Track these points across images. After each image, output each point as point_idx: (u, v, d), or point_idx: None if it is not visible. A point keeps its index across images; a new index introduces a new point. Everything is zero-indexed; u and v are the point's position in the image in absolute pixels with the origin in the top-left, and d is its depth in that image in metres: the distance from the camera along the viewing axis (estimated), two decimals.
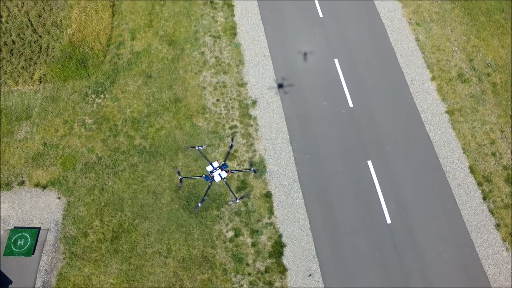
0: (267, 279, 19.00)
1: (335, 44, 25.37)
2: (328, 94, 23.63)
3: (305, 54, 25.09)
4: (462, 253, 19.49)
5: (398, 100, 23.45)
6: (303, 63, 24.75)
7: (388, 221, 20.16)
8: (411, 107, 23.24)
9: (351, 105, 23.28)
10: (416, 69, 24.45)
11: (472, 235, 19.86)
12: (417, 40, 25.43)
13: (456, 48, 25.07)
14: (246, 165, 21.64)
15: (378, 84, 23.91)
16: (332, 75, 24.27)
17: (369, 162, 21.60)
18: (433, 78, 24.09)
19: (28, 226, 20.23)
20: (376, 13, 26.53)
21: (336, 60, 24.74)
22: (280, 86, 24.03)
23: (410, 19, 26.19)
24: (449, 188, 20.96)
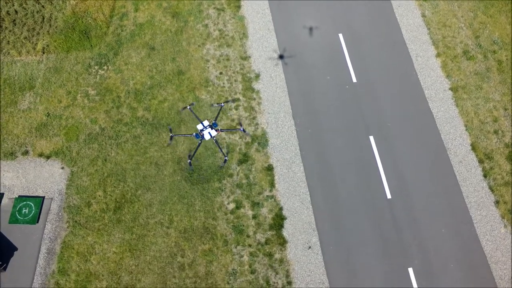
0: (267, 250, 19.30)
1: (340, 18, 25.12)
2: (331, 69, 23.53)
3: (309, 28, 24.87)
4: (460, 229, 19.70)
5: (402, 76, 23.33)
6: (307, 37, 24.56)
7: (388, 196, 20.33)
8: (415, 83, 23.14)
9: (354, 80, 23.21)
10: (421, 45, 24.25)
11: (471, 212, 20.03)
12: (423, 15, 25.14)
13: (463, 25, 24.80)
14: (248, 138, 21.74)
15: (382, 60, 23.77)
16: (336, 49, 24.11)
17: (371, 138, 21.65)
18: (438, 55, 23.91)
19: (32, 195, 20.50)
20: None
21: (340, 35, 24.54)
22: (283, 59, 23.91)
23: None
24: (450, 164, 21.04)
